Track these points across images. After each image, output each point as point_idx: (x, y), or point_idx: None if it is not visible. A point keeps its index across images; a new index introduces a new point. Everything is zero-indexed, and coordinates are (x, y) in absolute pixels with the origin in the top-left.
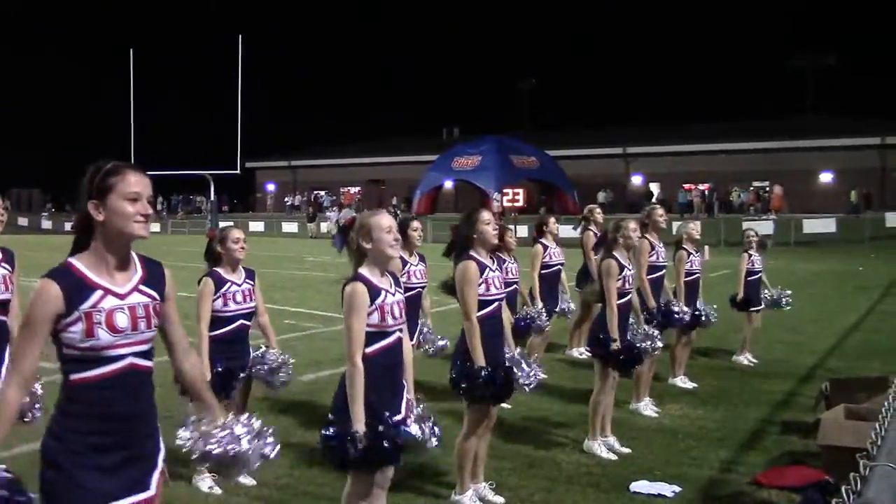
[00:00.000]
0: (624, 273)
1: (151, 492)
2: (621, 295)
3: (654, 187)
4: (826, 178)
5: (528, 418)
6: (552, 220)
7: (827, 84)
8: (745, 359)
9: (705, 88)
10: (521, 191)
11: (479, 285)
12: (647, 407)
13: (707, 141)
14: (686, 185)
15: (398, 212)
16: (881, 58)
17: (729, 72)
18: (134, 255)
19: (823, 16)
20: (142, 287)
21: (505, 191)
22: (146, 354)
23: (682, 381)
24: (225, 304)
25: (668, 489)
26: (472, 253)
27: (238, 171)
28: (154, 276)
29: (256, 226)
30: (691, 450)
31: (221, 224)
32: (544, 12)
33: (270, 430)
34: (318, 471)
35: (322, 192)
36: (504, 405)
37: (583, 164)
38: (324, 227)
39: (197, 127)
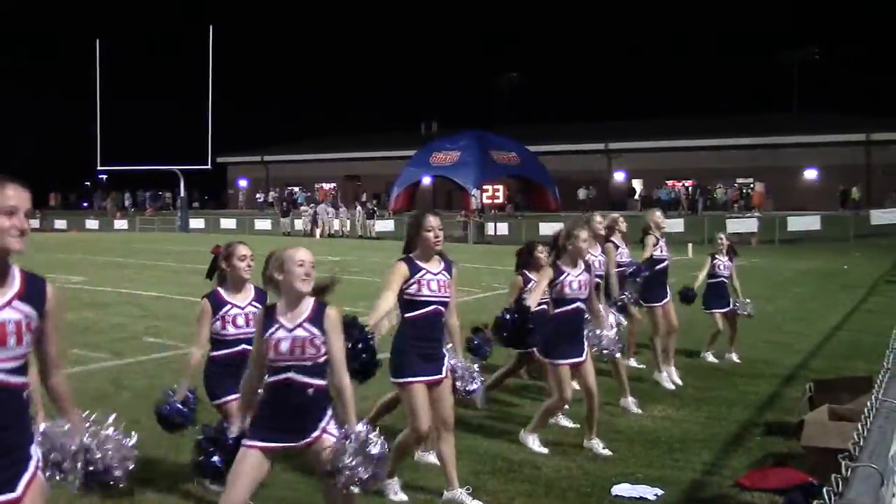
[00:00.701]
0: (564, 279)
1: (17, 493)
2: (566, 301)
3: (637, 184)
4: (811, 174)
5: (507, 421)
6: (620, 217)
7: (812, 80)
8: (710, 355)
9: (689, 84)
10: (500, 187)
11: (411, 285)
12: (632, 404)
13: (691, 137)
14: (669, 182)
15: (374, 208)
16: (866, 53)
17: (713, 67)
18: (16, 269)
19: (808, 11)
20: (16, 303)
21: (484, 187)
22: (15, 371)
23: (666, 380)
24: (223, 328)
25: (650, 492)
26: (412, 255)
27: (209, 166)
28: (34, 293)
29: (228, 223)
30: (674, 452)
31: (192, 222)
32: (526, 4)
33: (131, 438)
34: (292, 476)
35: (296, 189)
36: (481, 407)
37: (564, 160)
38: (298, 224)
39: (166, 120)
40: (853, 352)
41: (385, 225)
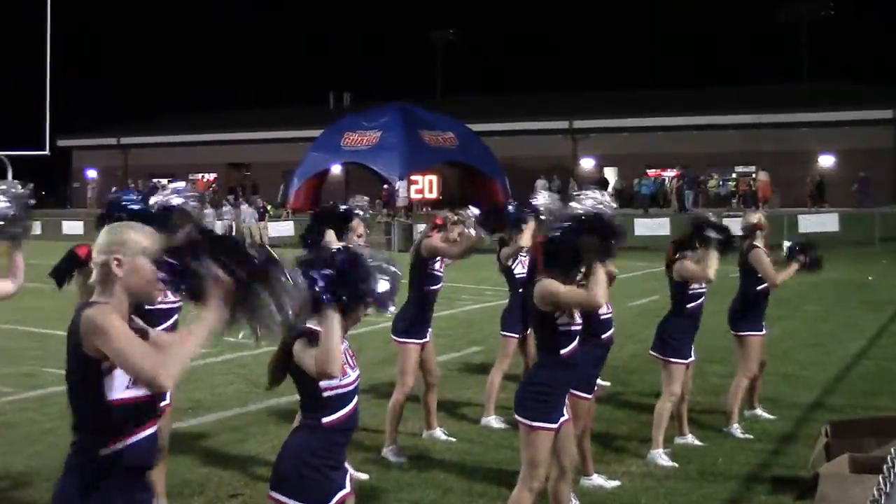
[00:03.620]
0: None
1: None
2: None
3: (610, 173)
4: (826, 161)
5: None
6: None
7: (825, 43)
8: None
9: (675, 48)
10: (434, 178)
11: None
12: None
13: (677, 114)
14: (651, 172)
15: (267, 210)
16: (893, 10)
17: (703, 27)
18: None
19: None
20: None
21: (413, 178)
22: None
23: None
24: None
25: None
26: None
27: (46, 152)
28: None
29: (72, 226)
30: None
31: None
32: None
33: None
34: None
35: (164, 181)
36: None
37: (517, 143)
38: None
39: None
40: (879, 386)
41: (281, 228)
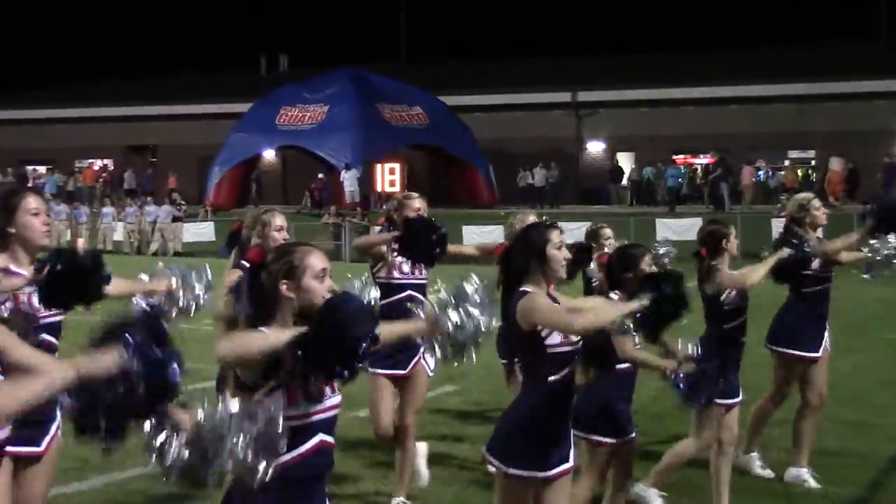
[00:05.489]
0: None
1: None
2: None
3: (625, 160)
4: None
5: None
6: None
7: None
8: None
9: None
10: (396, 165)
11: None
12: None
13: (712, 83)
14: (678, 158)
15: (181, 206)
16: None
17: None
18: None
19: None
20: None
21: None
22: None
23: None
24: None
25: None
26: None
27: None
28: None
29: None
30: None
31: None
32: None
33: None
34: None
35: (41, 168)
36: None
37: (505, 121)
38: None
39: None
40: None
41: (199, 231)
